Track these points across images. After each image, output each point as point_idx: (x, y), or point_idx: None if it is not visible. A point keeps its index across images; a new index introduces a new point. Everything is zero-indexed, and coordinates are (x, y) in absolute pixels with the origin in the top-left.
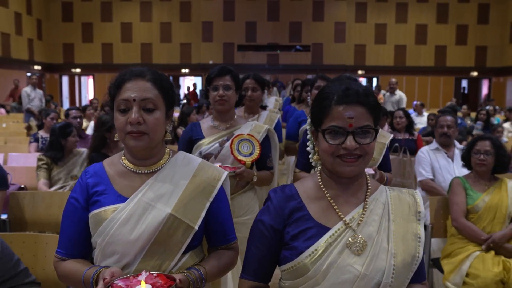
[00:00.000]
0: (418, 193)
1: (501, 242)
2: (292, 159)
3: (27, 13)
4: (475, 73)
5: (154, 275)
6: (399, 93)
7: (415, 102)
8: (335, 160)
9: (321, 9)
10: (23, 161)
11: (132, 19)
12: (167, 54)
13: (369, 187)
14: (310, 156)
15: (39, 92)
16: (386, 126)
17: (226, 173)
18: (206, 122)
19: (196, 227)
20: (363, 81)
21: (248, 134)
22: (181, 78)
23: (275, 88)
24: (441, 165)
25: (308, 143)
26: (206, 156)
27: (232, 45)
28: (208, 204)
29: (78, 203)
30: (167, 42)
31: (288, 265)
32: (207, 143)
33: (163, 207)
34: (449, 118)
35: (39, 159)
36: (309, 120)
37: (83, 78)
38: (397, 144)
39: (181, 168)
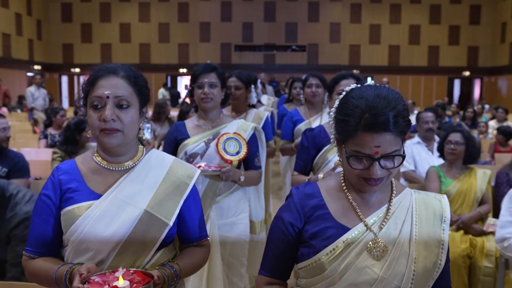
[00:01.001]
0: (445, 198)
1: (469, 223)
2: (284, 159)
3: (27, 13)
4: (467, 73)
5: (131, 271)
6: None
7: (407, 101)
8: (358, 180)
9: (316, 10)
10: (35, 155)
11: (130, 20)
12: (165, 54)
13: (394, 189)
14: (331, 154)
15: (43, 91)
16: None
17: (198, 170)
18: (191, 122)
19: (171, 223)
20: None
21: (235, 133)
22: (179, 78)
23: (270, 87)
24: (422, 157)
25: (331, 140)
26: (192, 156)
27: (229, 45)
28: (182, 201)
29: (50, 200)
30: (165, 42)
31: (305, 262)
32: (192, 143)
33: (138, 204)
34: (430, 114)
35: (54, 152)
36: (331, 118)
37: (82, 78)
38: None
39: (155, 165)
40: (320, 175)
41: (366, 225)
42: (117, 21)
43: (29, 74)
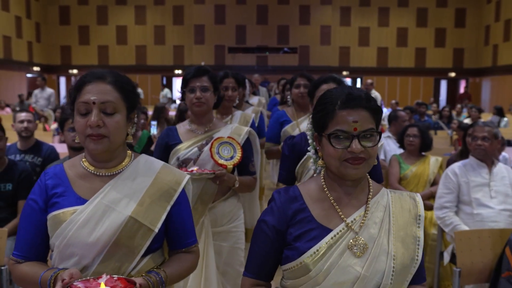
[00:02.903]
0: (419, 196)
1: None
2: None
3: (27, 16)
4: (453, 74)
5: (115, 278)
6: (375, 93)
7: (392, 101)
8: (341, 163)
9: (307, 13)
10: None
11: (127, 23)
12: (161, 56)
13: (371, 190)
14: (312, 161)
15: (48, 91)
16: None
17: (188, 176)
18: (183, 126)
19: (156, 230)
20: (347, 81)
21: (229, 137)
22: (174, 79)
23: (263, 89)
24: (391, 148)
25: (309, 148)
26: (185, 162)
27: (223, 47)
28: (169, 208)
29: (36, 205)
30: (160, 45)
31: (290, 264)
32: (185, 148)
33: (123, 210)
34: (403, 113)
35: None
36: (309, 125)
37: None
38: None
39: (142, 171)
40: None
41: (347, 225)
42: (114, 23)
43: (29, 75)
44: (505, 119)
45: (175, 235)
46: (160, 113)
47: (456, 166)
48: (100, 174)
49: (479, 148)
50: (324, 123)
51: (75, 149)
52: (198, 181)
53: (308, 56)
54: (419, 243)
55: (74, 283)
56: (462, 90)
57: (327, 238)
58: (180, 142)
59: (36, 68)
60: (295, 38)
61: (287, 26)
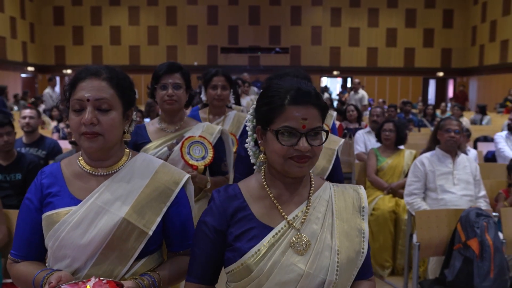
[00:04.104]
0: (362, 189)
1: (396, 189)
2: None
3: (21, 17)
4: (441, 74)
5: (104, 281)
6: (362, 92)
7: (380, 100)
8: (286, 161)
9: (298, 14)
10: None
11: (120, 23)
12: (154, 56)
13: (313, 185)
14: (251, 154)
15: (57, 92)
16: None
17: (187, 176)
18: (152, 125)
19: (150, 233)
20: (338, 81)
21: (200, 136)
22: None
23: (254, 88)
24: (372, 143)
25: (247, 141)
26: None
27: (215, 48)
28: (165, 209)
29: (32, 204)
30: (154, 45)
31: (231, 266)
32: (154, 147)
33: (117, 211)
34: (378, 109)
35: None
36: (250, 117)
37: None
38: (346, 131)
39: (139, 170)
40: None
41: (288, 222)
42: (108, 24)
43: (23, 75)
44: (488, 117)
45: (174, 237)
46: (151, 108)
47: (423, 156)
48: (96, 173)
49: (452, 139)
50: (270, 117)
51: (76, 144)
52: None
53: (299, 56)
54: (364, 235)
55: (62, 287)
56: (450, 89)
57: (268, 237)
58: (149, 141)
59: (30, 68)
60: (287, 39)
61: (279, 26)
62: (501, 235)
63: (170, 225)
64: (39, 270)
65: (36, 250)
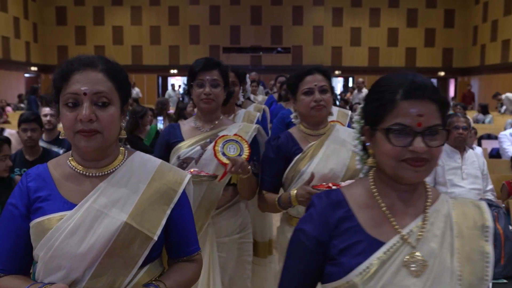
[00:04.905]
0: (485, 205)
1: None
2: None
3: (24, 17)
4: (442, 73)
5: None
6: (365, 91)
7: None
8: (398, 164)
9: (300, 14)
10: None
11: (123, 23)
12: (156, 56)
13: (429, 196)
14: (357, 158)
15: None
16: None
17: (188, 176)
18: (187, 123)
19: (155, 238)
20: (339, 81)
21: (235, 135)
22: (169, 78)
23: (260, 87)
24: None
25: (355, 143)
26: (185, 161)
27: (217, 47)
28: (169, 211)
29: (17, 210)
30: (156, 45)
31: (334, 283)
32: (186, 146)
33: (117, 215)
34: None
35: None
36: (357, 117)
37: None
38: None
39: (138, 170)
40: (293, 191)
41: (402, 237)
42: (110, 24)
43: (26, 75)
44: (490, 115)
45: (176, 242)
46: (163, 106)
47: None
48: (90, 174)
49: (461, 136)
50: (380, 114)
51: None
52: (197, 185)
53: (301, 56)
54: (488, 259)
55: None
56: (451, 89)
57: (379, 253)
58: (181, 140)
59: (33, 68)
60: (288, 38)
61: (281, 26)
62: (510, 227)
63: (172, 229)
64: (28, 284)
65: (21, 262)
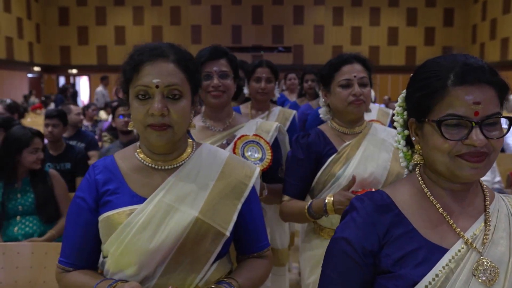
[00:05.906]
0: None
1: None
2: None
3: (27, 17)
4: None
5: None
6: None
7: (385, 97)
8: (453, 160)
9: (301, 14)
10: None
11: (125, 23)
12: None
13: (487, 195)
14: (401, 155)
15: (104, 91)
16: None
17: (258, 169)
18: (196, 123)
19: (228, 233)
20: None
21: (255, 135)
22: None
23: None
24: None
25: (397, 138)
26: None
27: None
28: (240, 206)
29: (85, 204)
30: None
31: None
32: None
33: (189, 210)
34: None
35: (103, 135)
36: (399, 108)
37: (78, 79)
38: None
39: (206, 163)
40: (329, 198)
41: (467, 242)
42: (112, 24)
43: (30, 75)
44: None
45: (247, 238)
46: None
47: None
48: (159, 167)
49: None
50: (427, 104)
51: (125, 133)
52: None
53: (302, 55)
54: None
55: None
56: None
57: (445, 261)
58: None
59: (36, 68)
60: (290, 38)
61: (282, 26)
62: None
63: (242, 225)
64: (98, 280)
65: (89, 257)
